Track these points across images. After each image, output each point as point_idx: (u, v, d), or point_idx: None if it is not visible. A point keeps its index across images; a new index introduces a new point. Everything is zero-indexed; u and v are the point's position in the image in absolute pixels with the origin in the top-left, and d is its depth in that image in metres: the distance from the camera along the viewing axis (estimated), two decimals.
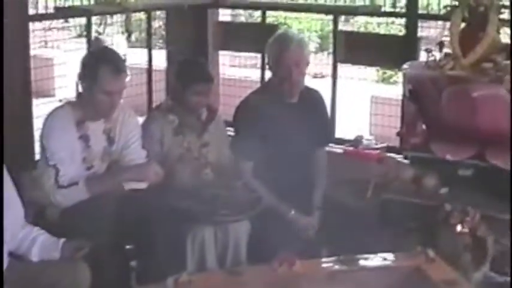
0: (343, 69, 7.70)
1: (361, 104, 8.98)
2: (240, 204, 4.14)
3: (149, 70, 6.29)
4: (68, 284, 3.40)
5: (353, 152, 5.24)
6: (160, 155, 4.30)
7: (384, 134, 6.34)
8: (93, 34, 7.56)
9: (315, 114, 4.59)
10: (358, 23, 11.59)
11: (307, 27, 14.17)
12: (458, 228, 3.96)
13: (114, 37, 9.62)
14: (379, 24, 11.78)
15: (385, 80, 12.39)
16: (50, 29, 10.10)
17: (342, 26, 9.91)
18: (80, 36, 5.86)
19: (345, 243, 3.94)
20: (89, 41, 5.53)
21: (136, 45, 10.03)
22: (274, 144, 4.31)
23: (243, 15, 11.11)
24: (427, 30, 9.71)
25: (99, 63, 3.90)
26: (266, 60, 4.62)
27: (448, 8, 4.64)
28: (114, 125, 4.11)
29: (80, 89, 4.03)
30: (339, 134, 6.07)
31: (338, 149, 5.56)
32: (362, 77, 11.79)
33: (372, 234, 4.26)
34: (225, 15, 7.02)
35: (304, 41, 4.58)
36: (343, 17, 9.89)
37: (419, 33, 5.70)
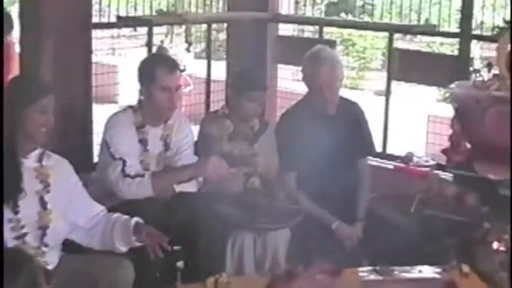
0: (404, 87, 7.75)
1: (420, 123, 9.03)
2: (279, 214, 4.29)
3: (208, 80, 6.46)
4: (112, 281, 3.50)
5: (402, 168, 5.32)
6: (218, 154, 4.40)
7: (439, 153, 6.38)
8: (158, 43, 7.78)
9: (353, 126, 4.71)
10: (421, 43, 11.63)
11: (371, 44, 14.26)
12: (495, 245, 4.03)
13: (178, 47, 9.86)
14: (442, 43, 11.81)
15: (447, 100, 12.39)
16: (118, 37, 10.36)
17: (406, 45, 10.08)
18: (145, 45, 6.09)
19: (386, 256, 4.05)
20: (149, 50, 5.71)
21: (202, 56, 10.25)
22: (315, 156, 4.43)
23: (307, 31, 11.25)
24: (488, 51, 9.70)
25: (155, 64, 4.18)
26: (301, 75, 4.73)
27: (498, 30, 4.71)
28: (170, 132, 4.30)
29: (141, 96, 4.25)
30: (392, 150, 6.18)
31: (389, 165, 5.68)
32: (423, 96, 11.82)
33: (413, 248, 4.37)
34: (285, 29, 7.14)
35: (336, 59, 4.67)
36: (408, 36, 10.01)
37: (482, 53, 5.74)
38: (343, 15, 10.58)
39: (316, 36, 6.63)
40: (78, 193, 3.78)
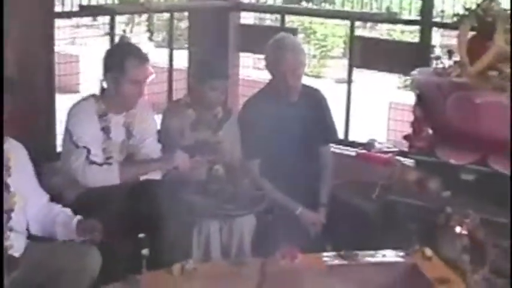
0: (365, 74, 7.81)
1: (381, 110, 9.11)
2: (244, 200, 4.33)
3: (170, 69, 6.46)
4: (78, 268, 3.53)
5: (364, 155, 5.37)
6: (178, 146, 4.44)
7: (401, 140, 6.45)
8: (120, 33, 7.73)
9: (315, 113, 4.75)
10: (382, 30, 11.71)
11: (332, 32, 14.30)
12: (458, 230, 4.08)
13: (139, 36, 9.82)
14: (402, 31, 11.88)
15: (407, 87, 12.49)
16: (78, 26, 10.29)
17: (367, 33, 10.13)
18: (106, 34, 6.05)
19: (350, 241, 4.08)
20: (112, 39, 5.70)
21: (162, 45, 10.21)
22: (278, 143, 4.47)
23: (269, 19, 11.25)
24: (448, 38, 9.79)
25: (125, 55, 4.15)
26: (264, 63, 4.77)
27: (459, 17, 4.76)
28: (133, 119, 4.30)
29: (104, 84, 4.24)
30: (354, 137, 6.23)
31: (351, 152, 5.73)
32: (384, 83, 11.91)
33: (376, 233, 4.43)
34: (246, 17, 7.16)
35: (299, 46, 4.74)
36: (368, 24, 10.07)
37: (442, 41, 5.79)
38: (304, 3, 10.60)
39: (278, 24, 6.65)
40: (33, 177, 3.82)
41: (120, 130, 4.25)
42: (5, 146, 3.62)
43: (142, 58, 4.19)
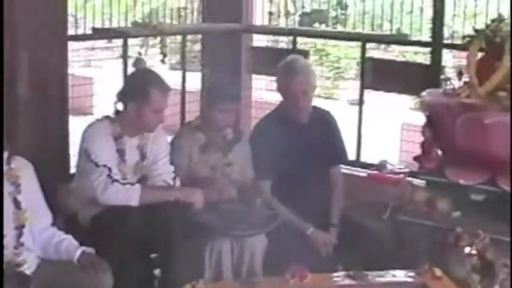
0: (378, 95, 7.84)
1: (394, 131, 9.13)
2: (255, 220, 4.37)
3: (183, 91, 6.52)
4: (93, 285, 3.59)
5: (375, 176, 5.41)
6: (188, 170, 4.53)
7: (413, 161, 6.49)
8: (135, 55, 7.79)
9: (325, 134, 4.79)
10: (395, 52, 11.73)
11: (345, 53, 14.33)
12: (467, 250, 4.11)
13: (153, 59, 9.86)
14: (416, 53, 11.89)
15: (419, 108, 12.46)
16: (93, 48, 10.34)
17: (381, 54, 10.16)
18: (121, 57, 6.12)
19: (360, 261, 4.12)
20: (125, 62, 5.76)
21: (176, 68, 10.27)
22: (288, 164, 4.51)
23: (283, 41, 11.29)
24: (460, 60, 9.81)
25: (149, 84, 4.18)
26: (276, 85, 4.81)
27: (468, 39, 4.81)
28: (146, 141, 4.35)
29: (119, 106, 4.29)
30: (368, 158, 6.28)
31: (363, 172, 5.77)
32: (397, 104, 11.94)
33: (387, 253, 4.45)
34: (259, 40, 7.22)
35: (309, 69, 4.76)
36: (382, 46, 10.09)
37: (455, 62, 5.82)
38: (316, 25, 10.62)
39: (290, 46, 6.71)
40: (40, 196, 3.88)
41: (134, 152, 4.30)
42: (14, 165, 3.72)
43: (166, 88, 4.24)
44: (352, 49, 13.84)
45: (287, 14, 7.55)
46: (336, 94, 14.59)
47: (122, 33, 5.72)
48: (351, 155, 5.74)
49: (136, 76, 4.43)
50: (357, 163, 6.17)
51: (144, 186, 4.14)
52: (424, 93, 4.87)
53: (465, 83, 4.67)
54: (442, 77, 4.99)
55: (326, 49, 14.21)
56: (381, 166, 5.48)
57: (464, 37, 5.03)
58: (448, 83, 4.78)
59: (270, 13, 7.22)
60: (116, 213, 3.97)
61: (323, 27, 8.89)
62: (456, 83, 4.74)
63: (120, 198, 4.03)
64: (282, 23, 7.28)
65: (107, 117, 4.32)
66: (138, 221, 3.95)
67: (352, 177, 5.74)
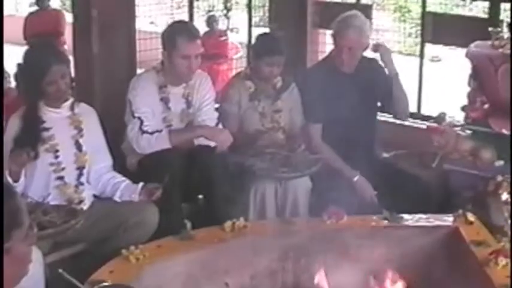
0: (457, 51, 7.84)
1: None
2: (298, 164, 4.54)
3: (249, 46, 6.71)
4: (137, 222, 3.89)
5: (433, 128, 5.50)
6: (237, 116, 4.74)
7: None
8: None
9: (371, 83, 4.90)
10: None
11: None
12: (504, 197, 4.20)
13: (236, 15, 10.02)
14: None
15: None
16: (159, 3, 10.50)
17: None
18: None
19: (404, 208, 4.25)
20: (191, 15, 5.95)
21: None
22: (336, 111, 4.66)
23: None
24: None
25: (177, 32, 4.39)
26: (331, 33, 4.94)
27: None
28: (192, 90, 4.56)
29: (163, 58, 4.51)
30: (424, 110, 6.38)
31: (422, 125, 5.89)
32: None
33: (431, 201, 4.57)
34: None
35: (362, 26, 4.80)
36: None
37: None
38: None
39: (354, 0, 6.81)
40: (102, 140, 4.20)
41: (179, 100, 4.51)
42: (77, 110, 4.07)
43: (193, 35, 4.41)
44: (434, 6, 13.77)
45: None
46: (418, 51, 14.50)
47: None
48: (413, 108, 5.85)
49: (169, 27, 4.61)
50: (418, 115, 6.30)
51: (171, 130, 4.37)
52: (471, 45, 4.94)
53: None
54: (491, 29, 5.03)
55: (408, 6, 14.15)
56: (440, 118, 5.56)
57: None
58: (498, 35, 4.83)
59: None
60: (157, 158, 4.22)
61: None
62: (505, 36, 4.79)
63: (152, 147, 4.27)
64: None
65: (154, 67, 4.56)
66: (181, 164, 4.20)
67: (411, 128, 5.88)
